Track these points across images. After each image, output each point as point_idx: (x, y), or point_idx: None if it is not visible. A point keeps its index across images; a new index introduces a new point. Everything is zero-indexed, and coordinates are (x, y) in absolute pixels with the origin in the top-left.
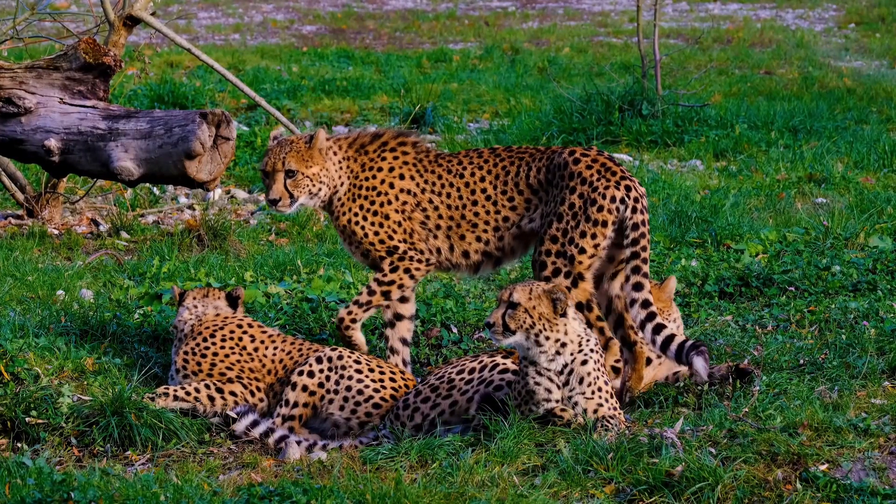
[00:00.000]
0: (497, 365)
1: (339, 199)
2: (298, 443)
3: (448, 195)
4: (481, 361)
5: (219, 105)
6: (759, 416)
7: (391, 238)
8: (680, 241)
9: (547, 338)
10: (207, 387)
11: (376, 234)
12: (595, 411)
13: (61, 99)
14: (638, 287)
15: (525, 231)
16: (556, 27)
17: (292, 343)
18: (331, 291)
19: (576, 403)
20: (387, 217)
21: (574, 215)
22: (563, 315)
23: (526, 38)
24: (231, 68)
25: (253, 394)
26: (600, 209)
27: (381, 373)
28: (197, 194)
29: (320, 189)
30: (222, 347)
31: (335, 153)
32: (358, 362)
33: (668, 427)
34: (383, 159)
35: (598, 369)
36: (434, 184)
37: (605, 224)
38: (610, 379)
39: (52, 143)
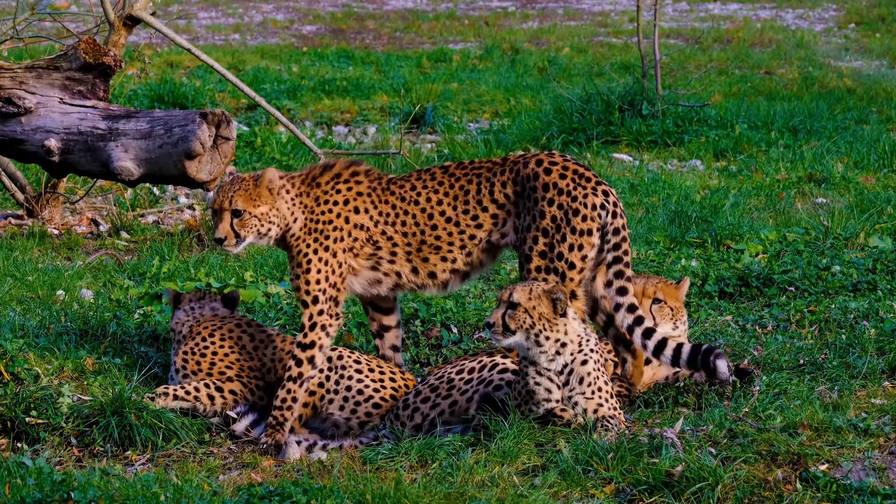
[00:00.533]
0: (497, 365)
1: (294, 235)
2: (298, 443)
3: (404, 223)
4: (481, 361)
5: (219, 105)
6: (759, 416)
7: (327, 280)
8: (680, 241)
9: (547, 338)
10: (207, 386)
11: (319, 271)
12: (595, 411)
13: (61, 99)
14: (622, 291)
15: (496, 244)
16: (556, 27)
17: (292, 342)
18: None
19: (576, 403)
20: (334, 255)
21: (558, 228)
22: (563, 315)
23: (526, 38)
24: (231, 68)
25: (253, 392)
26: (584, 218)
27: (381, 373)
28: (197, 194)
29: (269, 229)
30: (221, 346)
31: (287, 191)
32: (358, 362)
33: (668, 427)
34: (338, 192)
35: (599, 369)
36: (388, 214)
37: (590, 233)
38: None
39: (52, 143)
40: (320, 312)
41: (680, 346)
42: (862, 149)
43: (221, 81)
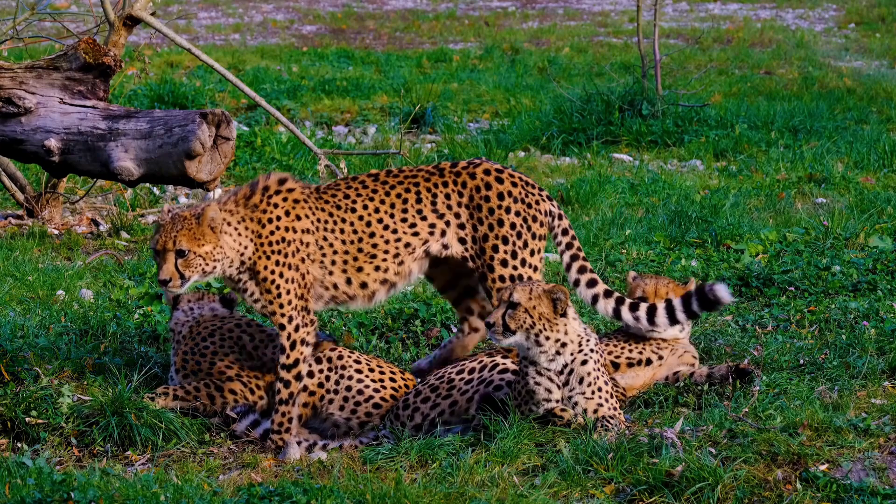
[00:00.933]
0: (497, 365)
1: (251, 262)
2: (298, 443)
3: (342, 230)
4: (481, 361)
5: (219, 105)
6: (759, 416)
7: (296, 295)
8: (680, 241)
9: (547, 338)
10: (207, 385)
11: (288, 291)
12: (595, 411)
13: (61, 99)
14: (592, 283)
15: (436, 255)
16: (556, 27)
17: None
18: None
19: (576, 403)
20: (296, 269)
21: (519, 235)
22: (563, 315)
23: (526, 38)
24: (231, 68)
25: (252, 392)
26: (541, 224)
27: (381, 373)
28: (197, 194)
29: (214, 267)
30: (221, 346)
31: (229, 223)
32: (358, 362)
33: (668, 427)
34: (275, 206)
35: (598, 369)
36: (326, 221)
37: (543, 238)
38: None
39: (52, 143)
40: (297, 328)
41: (669, 301)
42: (862, 149)
43: (221, 81)
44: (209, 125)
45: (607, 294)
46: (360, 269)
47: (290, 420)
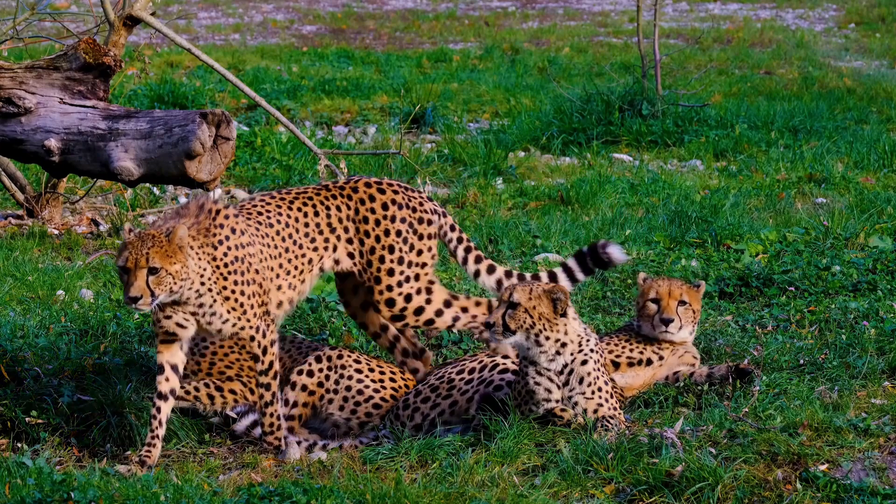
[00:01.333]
0: (497, 365)
1: (210, 282)
2: (298, 443)
3: (267, 245)
4: (481, 361)
5: (219, 105)
6: (759, 416)
7: (258, 305)
8: (680, 241)
9: (547, 338)
10: (207, 385)
11: (252, 306)
12: (595, 411)
13: (61, 99)
14: (491, 269)
15: (325, 270)
16: (556, 27)
17: (291, 342)
18: (331, 291)
19: (576, 403)
20: (252, 282)
21: (405, 240)
22: (563, 315)
23: (526, 38)
24: (231, 68)
25: (252, 392)
26: (429, 223)
27: (381, 373)
28: (197, 194)
29: (181, 286)
30: (221, 346)
31: (191, 246)
32: (358, 362)
33: (668, 427)
34: (221, 226)
35: (598, 369)
36: (255, 236)
37: (431, 236)
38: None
39: (52, 143)
40: (265, 335)
41: (565, 265)
42: (862, 149)
43: (221, 81)
44: (209, 125)
45: (508, 275)
46: (279, 288)
47: (278, 418)
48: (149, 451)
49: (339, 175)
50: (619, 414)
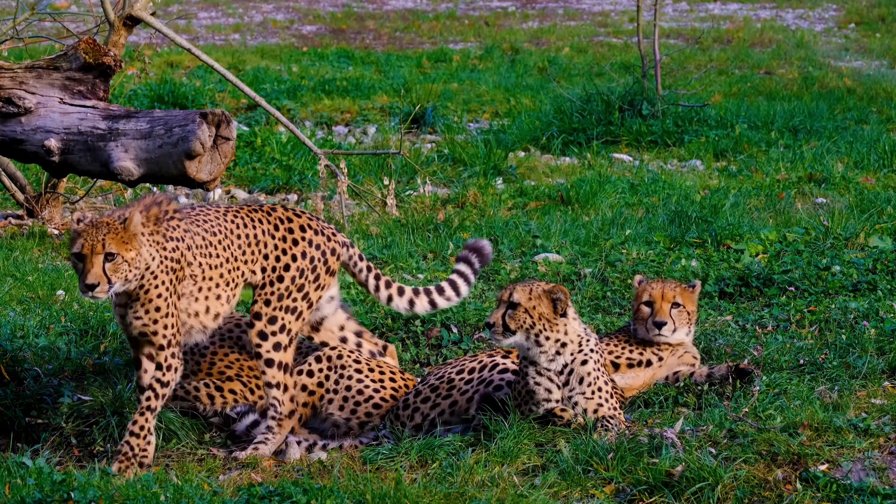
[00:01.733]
0: (497, 365)
1: (149, 278)
2: (298, 443)
3: (209, 255)
4: (481, 361)
5: (219, 105)
6: (759, 416)
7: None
8: (680, 241)
9: (547, 338)
10: (207, 385)
11: (172, 315)
12: (595, 411)
13: (61, 99)
14: (401, 291)
15: (247, 283)
16: (556, 27)
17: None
18: None
19: (576, 403)
20: (175, 293)
21: (314, 269)
22: (563, 315)
23: (526, 38)
24: (231, 68)
25: (252, 391)
26: (338, 257)
27: (381, 373)
28: (197, 194)
29: (135, 275)
30: (221, 346)
31: (143, 234)
32: (358, 362)
33: (668, 427)
34: (175, 228)
35: (599, 369)
36: (201, 246)
37: (335, 273)
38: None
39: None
40: (174, 354)
41: (456, 270)
42: (862, 149)
43: (221, 81)
44: (209, 125)
45: (416, 292)
46: (218, 297)
47: (149, 431)
48: (145, 451)
49: (340, 175)
50: (620, 414)
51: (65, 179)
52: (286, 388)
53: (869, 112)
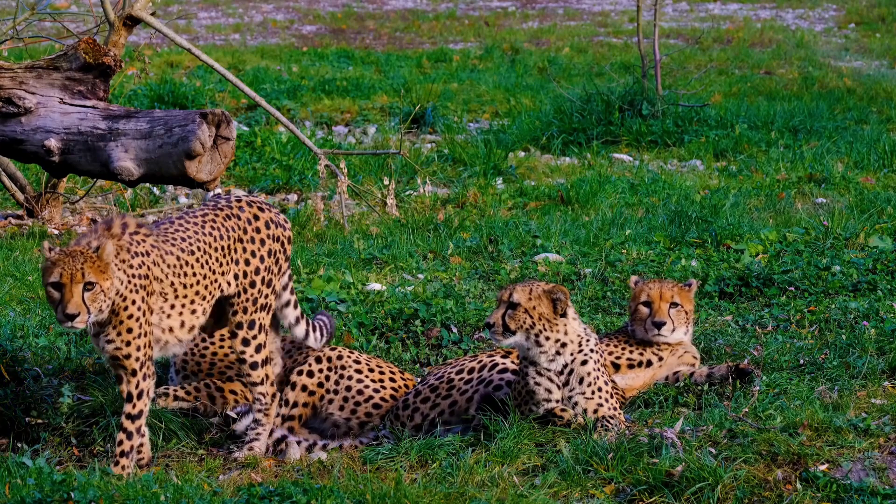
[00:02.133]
0: (497, 365)
1: (118, 301)
2: (298, 443)
3: (185, 274)
4: (480, 361)
5: (219, 105)
6: (759, 416)
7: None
8: (680, 241)
9: (547, 338)
10: (207, 386)
11: (144, 335)
12: (595, 411)
13: (61, 99)
14: (297, 305)
15: (223, 294)
16: (556, 27)
17: (292, 342)
18: (331, 291)
19: (576, 403)
20: (149, 321)
21: (276, 261)
22: (563, 315)
23: (526, 38)
24: (231, 68)
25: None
26: (293, 244)
27: (381, 373)
28: (197, 194)
29: (108, 305)
30: (221, 347)
31: (115, 264)
32: (358, 362)
33: (668, 427)
34: (138, 243)
35: (598, 369)
36: (174, 266)
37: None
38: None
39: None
40: (145, 376)
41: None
42: (862, 149)
43: (221, 81)
44: (209, 125)
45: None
46: (193, 312)
47: (136, 451)
48: (140, 453)
49: (340, 175)
50: (620, 414)
51: (65, 179)
52: (267, 378)
53: (869, 112)
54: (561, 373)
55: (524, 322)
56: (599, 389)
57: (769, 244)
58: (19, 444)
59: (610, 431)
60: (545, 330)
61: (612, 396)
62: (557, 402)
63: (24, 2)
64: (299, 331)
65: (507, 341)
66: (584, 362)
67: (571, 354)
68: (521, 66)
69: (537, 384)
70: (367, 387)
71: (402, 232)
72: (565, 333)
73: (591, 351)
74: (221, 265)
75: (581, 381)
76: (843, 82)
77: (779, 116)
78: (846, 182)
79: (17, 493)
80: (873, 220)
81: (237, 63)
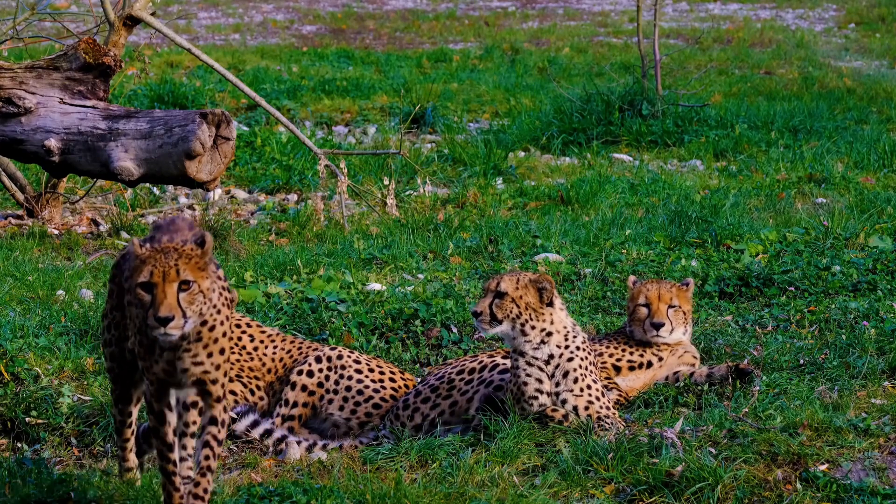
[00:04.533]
0: (497, 365)
1: (212, 313)
2: (298, 443)
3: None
4: (481, 362)
5: (219, 105)
6: (759, 416)
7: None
8: (680, 241)
9: (533, 327)
10: None
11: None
12: (586, 408)
13: (61, 99)
14: None
15: None
16: (556, 27)
17: (292, 342)
18: (331, 291)
19: (564, 401)
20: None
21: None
22: (550, 304)
23: (526, 38)
24: (231, 68)
25: (253, 392)
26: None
27: (381, 373)
28: (197, 194)
29: (206, 311)
30: None
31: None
32: (358, 362)
33: (668, 427)
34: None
35: (585, 367)
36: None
37: None
38: None
39: (52, 143)
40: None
41: None
42: (862, 149)
43: (221, 81)
44: (209, 125)
45: None
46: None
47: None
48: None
49: (340, 175)
50: (614, 413)
51: (65, 179)
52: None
53: (869, 112)
54: (548, 362)
55: (511, 311)
56: (588, 387)
57: (769, 244)
58: (19, 444)
59: (609, 431)
60: (531, 319)
61: (603, 395)
62: (549, 395)
63: (24, 2)
64: None
65: (494, 330)
66: (570, 359)
67: (557, 346)
68: (521, 66)
69: (528, 375)
70: (367, 387)
71: (402, 232)
72: (551, 323)
73: (577, 348)
74: None
75: (566, 375)
76: (843, 82)
77: (779, 116)
78: (846, 182)
79: (17, 492)
80: (873, 220)
81: (237, 63)
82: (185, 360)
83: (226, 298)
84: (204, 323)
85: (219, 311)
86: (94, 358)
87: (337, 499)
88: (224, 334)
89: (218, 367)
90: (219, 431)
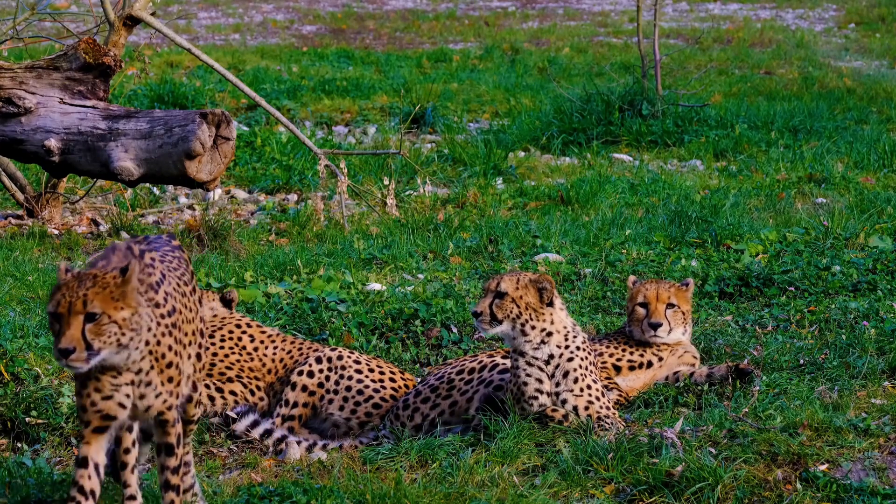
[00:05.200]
0: (497, 365)
1: (149, 344)
2: (298, 443)
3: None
4: (481, 362)
5: (219, 105)
6: (759, 416)
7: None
8: (680, 241)
9: (533, 327)
10: (207, 386)
11: (179, 375)
12: (586, 408)
13: (61, 99)
14: None
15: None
16: (556, 27)
17: (292, 342)
18: (331, 291)
19: (564, 401)
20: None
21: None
22: (550, 305)
23: (526, 38)
24: (231, 68)
25: (253, 393)
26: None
27: (381, 373)
28: (197, 194)
29: (129, 341)
30: (221, 347)
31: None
32: (358, 362)
33: (668, 427)
34: (153, 267)
35: (586, 367)
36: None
37: None
38: None
39: (52, 143)
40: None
41: None
42: (862, 149)
43: (221, 81)
44: (209, 125)
45: None
46: (189, 356)
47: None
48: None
49: (340, 175)
50: (614, 413)
51: (65, 179)
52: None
53: (869, 112)
54: (548, 362)
55: (511, 311)
56: (588, 387)
57: (769, 244)
58: (19, 444)
59: (609, 431)
60: (531, 319)
61: (603, 395)
62: (549, 395)
63: (24, 2)
64: None
65: (494, 330)
66: (570, 359)
67: (557, 346)
68: (521, 66)
69: (528, 375)
70: (367, 387)
71: (402, 232)
72: (551, 323)
73: (577, 348)
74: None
75: (566, 375)
76: (843, 82)
77: (779, 116)
78: (846, 182)
79: (17, 493)
80: (873, 220)
81: (237, 63)
82: (144, 394)
83: (167, 324)
84: (142, 355)
85: (148, 341)
86: None
87: (337, 499)
88: (170, 364)
89: (171, 394)
90: (175, 459)
